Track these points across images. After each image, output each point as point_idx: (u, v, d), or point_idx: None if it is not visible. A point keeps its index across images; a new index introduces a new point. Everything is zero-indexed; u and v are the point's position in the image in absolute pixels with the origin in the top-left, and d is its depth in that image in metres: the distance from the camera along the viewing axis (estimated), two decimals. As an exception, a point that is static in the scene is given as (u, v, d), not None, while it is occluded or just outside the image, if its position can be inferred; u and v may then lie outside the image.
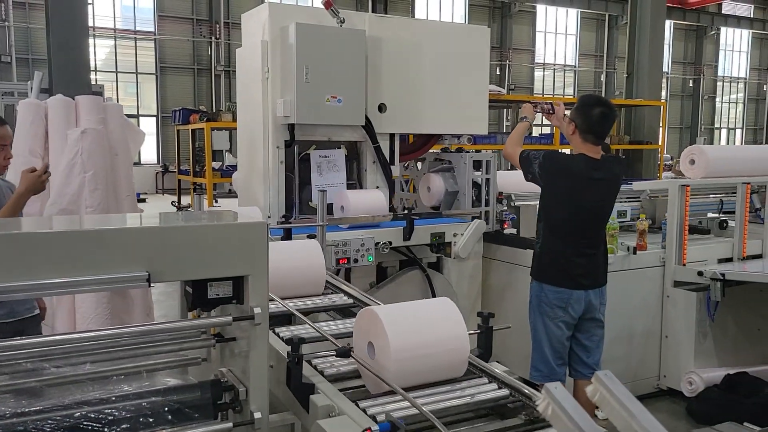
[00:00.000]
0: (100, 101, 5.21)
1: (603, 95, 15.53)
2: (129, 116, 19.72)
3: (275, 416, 2.02)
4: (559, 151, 4.13)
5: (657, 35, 11.78)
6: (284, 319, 2.49)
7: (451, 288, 4.59)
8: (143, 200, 13.06)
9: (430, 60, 4.52)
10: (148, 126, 19.02)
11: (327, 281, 2.88)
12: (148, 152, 18.15)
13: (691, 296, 4.55)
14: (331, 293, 2.82)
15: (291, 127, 4.06)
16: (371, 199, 4.20)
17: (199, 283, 1.71)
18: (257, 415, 1.74)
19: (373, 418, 1.66)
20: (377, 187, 4.50)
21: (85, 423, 1.50)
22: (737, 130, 31.32)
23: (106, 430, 1.53)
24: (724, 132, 31.01)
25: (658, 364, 4.80)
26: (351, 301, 2.70)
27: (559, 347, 3.52)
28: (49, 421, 1.46)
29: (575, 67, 27.13)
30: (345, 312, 2.68)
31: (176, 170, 11.09)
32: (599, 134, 3.49)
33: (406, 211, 4.37)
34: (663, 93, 28.45)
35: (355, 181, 4.54)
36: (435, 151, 4.98)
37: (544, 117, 3.89)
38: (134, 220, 1.83)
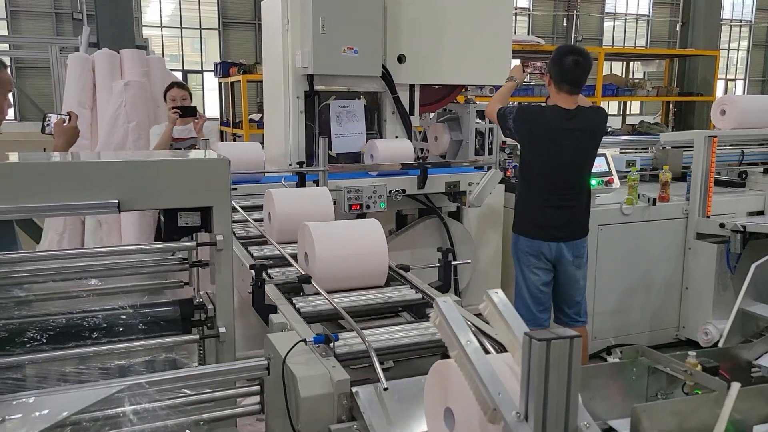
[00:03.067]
0: (143, 55, 5.52)
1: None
2: (193, 72, 20.31)
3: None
4: (533, 103, 4.13)
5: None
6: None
7: (469, 236, 4.71)
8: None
9: (450, 8, 4.54)
10: (212, 81, 19.54)
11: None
12: (211, 107, 18.69)
13: (712, 248, 4.51)
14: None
15: (310, 78, 4.22)
16: (398, 147, 4.36)
17: (170, 212, 1.94)
18: (222, 330, 1.97)
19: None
20: (397, 137, 4.63)
21: (64, 329, 1.76)
22: (826, 82, 29.19)
23: (84, 334, 1.79)
24: (809, 85, 28.98)
25: (677, 315, 4.81)
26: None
27: (537, 293, 3.64)
28: (33, 326, 1.73)
29: (648, 16, 25.84)
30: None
31: (221, 121, 11.49)
32: (573, 83, 3.49)
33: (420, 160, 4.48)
34: (745, 43, 26.90)
35: (375, 131, 4.67)
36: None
37: (537, 77, 3.88)
38: (109, 156, 2.06)
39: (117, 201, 1.80)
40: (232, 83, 10.27)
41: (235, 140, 9.12)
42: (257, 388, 1.61)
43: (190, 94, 4.58)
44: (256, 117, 9.38)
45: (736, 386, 1.57)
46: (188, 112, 4.28)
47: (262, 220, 3.07)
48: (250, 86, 11.00)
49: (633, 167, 4.71)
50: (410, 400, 1.59)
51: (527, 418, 1.18)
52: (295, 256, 2.45)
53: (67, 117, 2.99)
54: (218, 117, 13.65)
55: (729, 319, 2.03)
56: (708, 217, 4.59)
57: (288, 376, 1.65)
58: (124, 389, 1.39)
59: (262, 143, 5.04)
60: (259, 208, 3.11)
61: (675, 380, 1.76)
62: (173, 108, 4.24)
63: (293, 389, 1.61)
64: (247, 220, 3.12)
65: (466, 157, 4.70)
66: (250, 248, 2.80)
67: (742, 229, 4.23)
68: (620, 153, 6.06)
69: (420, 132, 5.24)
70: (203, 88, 19.87)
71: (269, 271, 2.34)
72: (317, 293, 2.10)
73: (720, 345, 2.00)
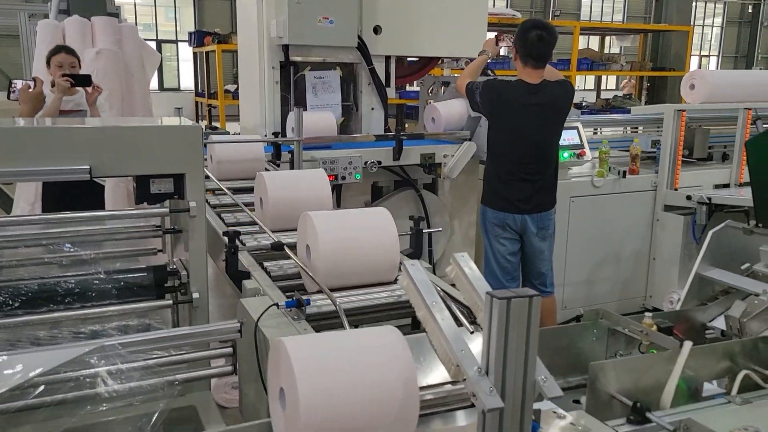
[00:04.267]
0: (115, 22, 5.41)
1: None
2: (167, 41, 19.88)
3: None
4: (498, 78, 4.16)
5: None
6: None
7: (444, 208, 4.77)
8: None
9: (426, -20, 4.53)
10: (186, 52, 19.24)
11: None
12: (186, 78, 18.40)
13: (679, 220, 4.63)
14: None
15: (285, 48, 4.20)
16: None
17: (142, 179, 1.95)
18: (195, 295, 2.00)
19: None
20: (372, 109, 4.65)
21: (36, 294, 1.78)
22: (797, 59, 29.59)
23: (57, 299, 1.81)
24: (783, 62, 29.36)
25: (645, 284, 4.94)
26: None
27: (504, 263, 3.73)
28: (5, 291, 1.74)
29: (626, -10, 25.85)
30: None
31: (196, 92, 11.33)
32: (538, 57, 3.54)
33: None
34: (719, 19, 27.10)
35: (351, 102, 4.68)
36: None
37: (511, 51, 3.88)
38: (80, 122, 2.06)
39: (88, 167, 1.81)
40: (207, 53, 10.13)
41: (210, 112, 9.03)
42: (230, 350, 1.65)
43: (79, 61, 4.11)
44: (231, 88, 9.29)
45: (688, 345, 1.65)
46: (82, 81, 3.82)
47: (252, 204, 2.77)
48: (226, 56, 10.88)
49: (605, 140, 4.78)
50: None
51: (488, 372, 1.24)
52: (293, 247, 2.12)
53: (33, 83, 2.95)
54: (193, 88, 13.48)
55: (686, 284, 2.11)
56: (676, 189, 4.70)
57: (260, 339, 1.69)
58: (98, 350, 1.42)
59: (238, 115, 5.02)
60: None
61: (633, 341, 1.84)
62: (64, 75, 3.73)
63: (266, 351, 1.65)
64: (236, 205, 2.81)
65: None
66: (243, 238, 2.45)
67: (708, 201, 4.34)
68: (594, 134, 6.15)
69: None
70: (178, 58, 19.52)
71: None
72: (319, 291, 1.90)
73: (677, 309, 2.08)
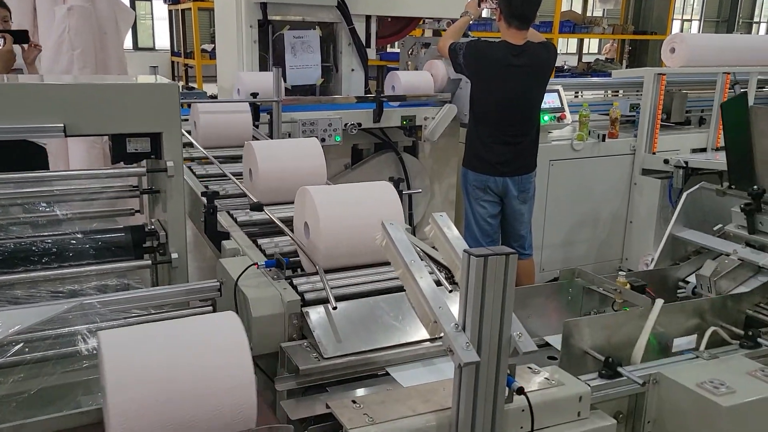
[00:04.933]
0: (87, -22, 5.25)
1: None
2: (141, -1, 19.28)
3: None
4: (482, 39, 4.12)
5: None
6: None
7: (424, 171, 4.77)
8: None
9: (408, -62, 4.45)
10: (161, 10, 18.73)
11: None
12: (161, 37, 17.94)
13: (656, 183, 4.68)
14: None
15: (263, 6, 4.12)
16: (420, 79, 4.35)
17: (118, 138, 1.92)
18: (174, 255, 2.00)
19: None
20: (353, 70, 4.60)
21: (13, 253, 1.76)
22: (778, 24, 29.68)
23: (33, 259, 1.79)
24: (763, 26, 29.42)
25: (621, 247, 5.02)
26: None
27: (485, 225, 3.77)
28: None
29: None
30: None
31: (172, 52, 11.08)
32: (522, 18, 3.51)
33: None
34: (701, -18, 26.98)
35: (330, 63, 4.62)
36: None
37: (494, 12, 3.83)
38: (54, 79, 2.01)
39: (62, 125, 1.77)
40: (183, 11, 9.87)
41: (186, 72, 8.85)
42: (209, 308, 1.66)
43: (10, 14, 3.76)
44: (208, 47, 9.11)
45: (659, 303, 1.69)
46: (20, 37, 3.51)
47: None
48: (202, 15, 10.62)
49: (585, 104, 4.79)
50: (358, 319, 1.67)
51: (464, 328, 1.26)
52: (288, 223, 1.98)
53: (2, 40, 2.87)
54: (169, 48, 13.17)
55: (660, 244, 2.16)
56: (654, 153, 4.74)
57: (240, 298, 1.70)
58: (77, 308, 1.42)
59: (215, 75, 4.93)
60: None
61: (607, 299, 1.88)
62: (1, 31, 3.42)
63: (245, 310, 1.66)
64: (224, 175, 2.60)
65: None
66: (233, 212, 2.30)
67: (685, 165, 4.38)
68: (576, 97, 6.14)
69: (409, 68, 5.16)
70: (152, 16, 19.01)
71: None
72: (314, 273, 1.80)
73: (651, 268, 2.13)
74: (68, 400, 1.44)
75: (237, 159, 2.84)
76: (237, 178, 2.47)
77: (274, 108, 3.39)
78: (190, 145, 2.99)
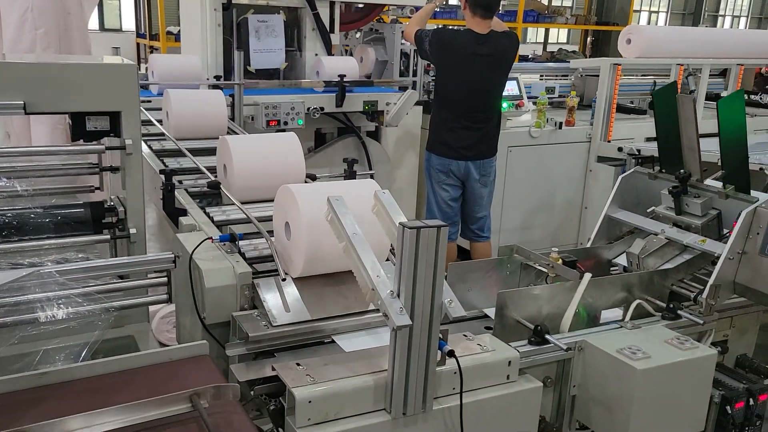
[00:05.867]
0: (50, -43, 5.20)
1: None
2: (105, -22, 18.80)
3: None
4: (448, 27, 4.25)
5: None
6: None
7: (386, 155, 4.87)
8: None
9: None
10: (127, -10, 18.36)
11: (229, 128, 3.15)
12: (127, 19, 17.63)
13: (610, 170, 4.85)
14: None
15: (228, -10, 4.15)
16: (347, 64, 4.38)
17: (78, 116, 1.98)
18: (133, 231, 2.07)
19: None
20: (316, 55, 4.66)
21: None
22: (742, 18, 30.35)
23: (-8, 232, 1.85)
24: (728, 20, 30.06)
25: (576, 232, 5.19)
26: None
27: (446, 208, 3.89)
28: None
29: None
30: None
31: (137, 33, 10.92)
32: (486, 7, 3.62)
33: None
34: (668, -24, 27.41)
35: (295, 48, 4.67)
36: (372, 22, 5.08)
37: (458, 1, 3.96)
38: (14, 57, 2.05)
39: (23, 102, 1.83)
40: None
41: (151, 53, 8.78)
42: (165, 279, 1.74)
43: None
44: (174, 29, 9.03)
45: (587, 276, 1.82)
46: None
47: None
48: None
49: (542, 92, 4.93)
50: (305, 289, 1.76)
51: (399, 295, 1.37)
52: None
53: None
54: (134, 29, 12.98)
55: (596, 225, 2.29)
56: (609, 141, 4.91)
57: (195, 270, 1.78)
58: (36, 275, 1.49)
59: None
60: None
61: (542, 274, 2.01)
62: None
63: (199, 282, 1.75)
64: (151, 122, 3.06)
65: (391, 77, 4.77)
66: (164, 159, 2.71)
67: (637, 153, 4.55)
68: (540, 79, 6.29)
69: (347, 51, 5.27)
70: (120, -3, 18.66)
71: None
72: (231, 203, 2.13)
73: (587, 246, 2.27)
74: (26, 363, 1.51)
75: (211, 152, 2.72)
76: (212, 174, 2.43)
77: (236, 91, 3.44)
78: (162, 135, 2.98)
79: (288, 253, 1.78)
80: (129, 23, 17.61)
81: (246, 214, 1.98)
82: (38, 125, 4.39)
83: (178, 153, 2.69)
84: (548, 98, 4.92)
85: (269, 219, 1.92)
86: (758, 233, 1.82)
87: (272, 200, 1.89)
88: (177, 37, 8.55)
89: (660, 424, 1.68)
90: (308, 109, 4.16)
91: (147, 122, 3.06)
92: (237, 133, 3.04)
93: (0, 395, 1.36)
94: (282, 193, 1.80)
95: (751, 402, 1.87)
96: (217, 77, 4.01)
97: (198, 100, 3.07)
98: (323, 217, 1.59)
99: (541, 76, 6.48)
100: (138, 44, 11.59)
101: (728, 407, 1.84)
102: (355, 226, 1.53)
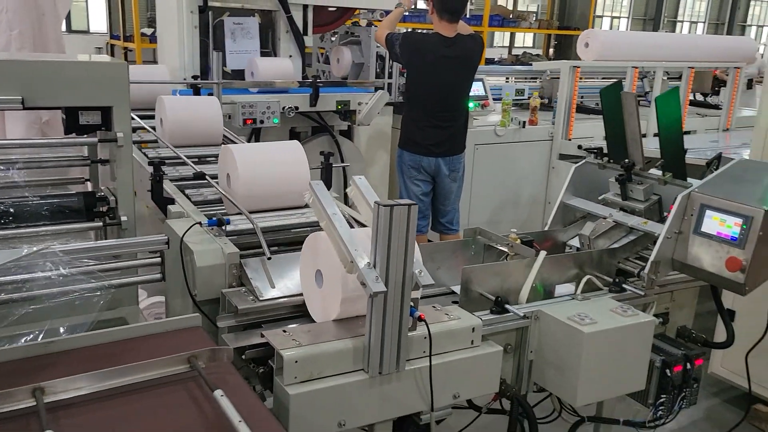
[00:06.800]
0: (23, -42, 5.25)
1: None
2: (75, -20, 18.61)
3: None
4: (417, 31, 4.47)
5: None
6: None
7: (359, 154, 5.05)
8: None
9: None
10: (97, -7, 18.23)
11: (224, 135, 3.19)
12: (98, 21, 17.52)
13: (571, 167, 5.06)
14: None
15: (204, -7, 4.29)
16: (280, 66, 4.53)
17: (72, 110, 2.11)
18: (124, 218, 2.21)
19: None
20: (290, 56, 4.81)
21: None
22: (699, 24, 31.32)
23: (-8, 219, 1.97)
24: (686, 25, 31.00)
25: (541, 226, 5.42)
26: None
27: (417, 202, 4.09)
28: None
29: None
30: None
31: (111, 35, 10.92)
32: (453, 12, 3.84)
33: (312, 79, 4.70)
34: (630, -18, 28.15)
35: (269, 49, 4.82)
36: (347, 25, 5.26)
37: (426, 4, 4.15)
38: (12, 55, 2.18)
39: (21, 97, 1.96)
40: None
41: (126, 56, 8.82)
42: (158, 259, 1.89)
43: None
44: (147, 31, 9.09)
45: (542, 254, 2.02)
46: None
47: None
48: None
49: (507, 93, 5.17)
50: (289, 268, 1.93)
51: (375, 265, 1.55)
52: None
53: None
54: (105, 30, 12.94)
55: (552, 211, 2.51)
56: (570, 139, 5.17)
57: (186, 252, 1.94)
58: (39, 255, 1.63)
59: (154, 60, 5.06)
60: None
61: (503, 254, 2.21)
62: None
63: (190, 262, 1.91)
64: (143, 128, 3.08)
65: (367, 78, 4.94)
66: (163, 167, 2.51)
67: (596, 150, 4.80)
68: (506, 82, 6.55)
69: (322, 54, 5.44)
70: (87, -1, 18.51)
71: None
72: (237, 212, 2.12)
73: (545, 230, 2.48)
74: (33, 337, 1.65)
75: (208, 159, 2.86)
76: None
77: (214, 90, 3.59)
78: (155, 142, 3.02)
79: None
80: (96, 24, 17.50)
81: (253, 224, 1.99)
82: (13, 123, 4.46)
83: (175, 160, 2.71)
84: (516, 99, 5.16)
85: (274, 229, 2.10)
86: (692, 215, 2.05)
87: (277, 209, 2.19)
88: (152, 39, 8.62)
89: (606, 382, 1.89)
90: (283, 108, 4.32)
91: (139, 128, 3.10)
92: (232, 140, 3.14)
93: (12, 361, 1.50)
94: (224, 152, 2.23)
95: (688, 366, 2.09)
96: (195, 77, 4.15)
97: (193, 107, 3.08)
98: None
99: (506, 79, 6.75)
100: (112, 46, 11.56)
101: (668, 371, 2.06)
102: (334, 206, 1.71)
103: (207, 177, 2.33)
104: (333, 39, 5.22)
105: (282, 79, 4.40)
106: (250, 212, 2.07)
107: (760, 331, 2.41)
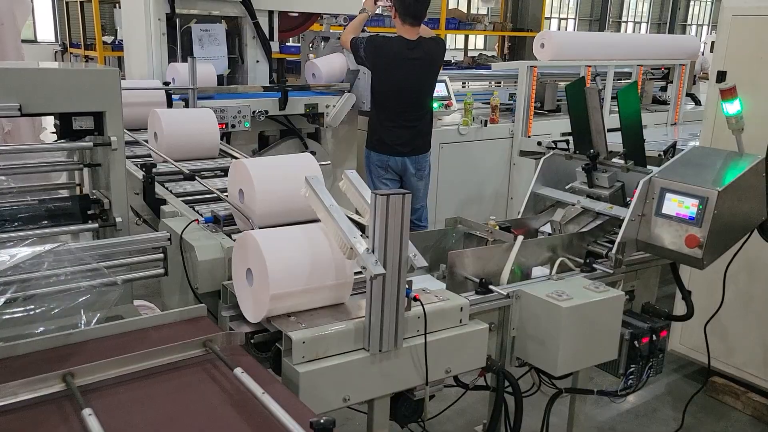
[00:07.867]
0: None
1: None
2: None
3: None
4: (381, 34, 4.64)
5: None
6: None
7: (327, 155, 5.16)
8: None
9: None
10: (42, 1, 17.84)
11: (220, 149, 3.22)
12: (45, 30, 17.15)
13: (531, 163, 5.33)
14: (220, 158, 3.15)
15: (171, 0, 4.35)
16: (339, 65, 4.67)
17: (65, 116, 2.18)
18: (118, 219, 2.28)
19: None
20: (257, 62, 4.91)
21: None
22: (643, 24, 32.45)
23: (-5, 222, 2.03)
24: (630, 25, 32.08)
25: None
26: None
27: None
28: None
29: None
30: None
31: (70, 43, 10.77)
32: (415, 16, 4.02)
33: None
34: (576, -16, 29.04)
35: (236, 55, 4.91)
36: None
37: (388, 10, 4.31)
38: (9, 65, 2.24)
39: (19, 105, 2.02)
40: (67, 3, 9.55)
41: (87, 62, 8.72)
42: (161, 255, 1.98)
43: None
44: (107, 39, 8.99)
45: (520, 239, 2.19)
46: None
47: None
48: (87, 7, 10.32)
49: (468, 93, 5.36)
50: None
51: (374, 250, 1.68)
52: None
53: None
54: (52, 39, 12.65)
55: (524, 200, 2.68)
56: (529, 137, 5.39)
57: (186, 247, 2.03)
58: (54, 253, 1.71)
59: (120, 64, 5.07)
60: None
61: (482, 240, 2.37)
62: None
63: (191, 257, 2.00)
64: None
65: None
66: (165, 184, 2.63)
67: (554, 146, 5.03)
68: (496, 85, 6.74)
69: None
70: (32, 9, 18.05)
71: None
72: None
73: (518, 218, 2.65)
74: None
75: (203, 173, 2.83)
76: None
77: (190, 95, 3.66)
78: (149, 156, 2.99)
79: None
80: (44, 34, 17.11)
81: (210, 189, 2.18)
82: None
83: (176, 175, 2.70)
84: (474, 98, 5.35)
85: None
86: (653, 198, 2.24)
87: (291, 223, 2.02)
88: (114, 47, 8.52)
89: (582, 352, 2.06)
90: (254, 112, 4.41)
91: (133, 143, 3.09)
92: (230, 153, 3.19)
93: (36, 352, 1.58)
94: (235, 166, 2.19)
95: (654, 338, 2.29)
96: (166, 83, 4.20)
97: (189, 120, 3.08)
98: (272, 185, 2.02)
99: (463, 83, 6.94)
100: (71, 54, 11.35)
101: (636, 342, 2.24)
102: (330, 198, 1.83)
103: (217, 192, 2.39)
104: (323, 46, 5.23)
105: (202, 84, 4.22)
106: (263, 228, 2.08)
107: (716, 307, 2.63)
